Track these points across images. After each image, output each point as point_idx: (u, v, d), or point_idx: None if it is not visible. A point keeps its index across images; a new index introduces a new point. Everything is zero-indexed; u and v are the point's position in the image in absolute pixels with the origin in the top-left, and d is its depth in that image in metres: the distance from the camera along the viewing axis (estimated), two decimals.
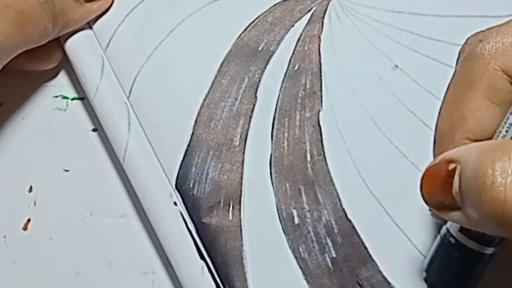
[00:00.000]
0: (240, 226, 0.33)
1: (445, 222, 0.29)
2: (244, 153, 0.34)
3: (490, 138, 0.28)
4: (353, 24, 0.36)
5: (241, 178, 0.34)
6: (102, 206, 0.35)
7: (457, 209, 0.24)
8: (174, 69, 0.35)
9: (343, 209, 0.33)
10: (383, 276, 0.32)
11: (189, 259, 0.33)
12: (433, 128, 0.34)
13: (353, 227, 0.33)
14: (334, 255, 0.33)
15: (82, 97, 0.37)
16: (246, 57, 0.36)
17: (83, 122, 0.37)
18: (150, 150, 0.35)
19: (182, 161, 0.34)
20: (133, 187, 0.34)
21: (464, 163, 0.24)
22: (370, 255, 0.33)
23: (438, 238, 0.29)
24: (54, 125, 0.37)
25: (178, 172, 0.34)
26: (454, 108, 0.29)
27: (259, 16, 0.36)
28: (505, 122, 0.27)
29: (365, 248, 0.33)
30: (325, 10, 0.37)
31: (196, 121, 0.35)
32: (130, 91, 0.35)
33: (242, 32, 0.36)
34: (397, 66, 0.35)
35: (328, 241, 0.33)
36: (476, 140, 0.28)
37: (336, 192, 0.34)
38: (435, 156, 0.30)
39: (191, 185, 0.34)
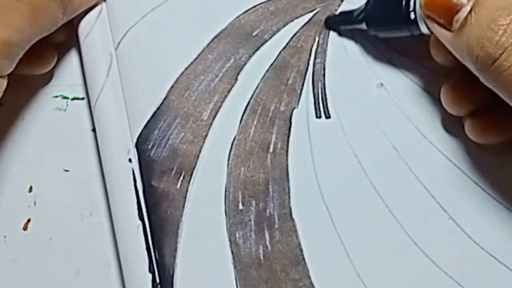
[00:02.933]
0: (185, 197, 0.33)
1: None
2: (209, 128, 0.34)
3: None
4: (351, 33, 0.36)
5: (199, 151, 0.34)
6: (102, 206, 0.35)
7: (446, 29, 0.28)
8: (166, 33, 0.36)
9: (290, 207, 0.33)
10: (311, 282, 0.32)
11: (128, 216, 0.33)
12: (401, 153, 0.33)
13: (295, 227, 0.33)
14: (268, 249, 0.32)
15: (82, 97, 0.37)
16: (238, 39, 0.36)
17: (83, 122, 0.36)
18: (122, 104, 0.35)
19: (148, 121, 0.34)
20: (96, 135, 0.35)
21: (480, 2, 0.26)
22: (303, 258, 0.32)
23: None
24: (54, 125, 0.37)
25: (142, 131, 0.34)
26: None
27: (262, 3, 0.37)
28: None
29: (301, 250, 0.32)
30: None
31: (172, 87, 0.35)
32: (119, 44, 0.36)
33: (241, 14, 0.36)
34: (382, 84, 0.35)
35: (267, 234, 0.33)
36: None
37: (288, 189, 0.33)
38: None
39: (149, 146, 0.34)
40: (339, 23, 0.36)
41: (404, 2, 0.31)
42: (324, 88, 0.35)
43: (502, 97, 0.27)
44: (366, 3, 0.34)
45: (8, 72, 0.32)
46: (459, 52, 0.28)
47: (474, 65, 0.27)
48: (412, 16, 0.30)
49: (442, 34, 0.28)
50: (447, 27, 0.28)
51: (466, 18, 0.27)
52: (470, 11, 0.26)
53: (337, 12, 0.36)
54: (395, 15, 0.32)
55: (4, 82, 0.32)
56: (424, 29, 0.30)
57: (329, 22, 0.36)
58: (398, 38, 0.33)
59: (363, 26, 0.34)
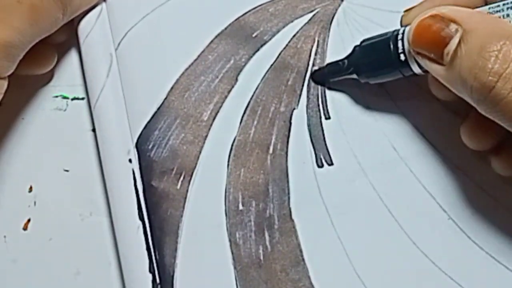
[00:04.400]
0: (185, 198, 0.33)
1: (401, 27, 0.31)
2: (209, 129, 0.34)
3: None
4: (351, 34, 0.36)
5: (200, 152, 0.34)
6: (102, 206, 0.35)
7: (438, 63, 0.27)
8: (166, 34, 0.36)
9: (290, 208, 0.33)
10: (311, 283, 0.32)
11: (128, 216, 0.33)
12: (401, 153, 0.34)
13: (294, 227, 0.33)
14: (268, 250, 0.33)
15: (82, 97, 0.37)
16: (238, 40, 0.36)
17: (83, 122, 0.36)
18: (122, 104, 0.35)
19: (148, 122, 0.34)
20: (96, 135, 0.35)
21: (468, 33, 0.25)
22: (303, 259, 0.32)
23: (392, 31, 0.31)
24: (54, 125, 0.37)
25: (142, 131, 0.34)
26: None
27: (262, 4, 0.37)
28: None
29: (301, 250, 0.33)
30: (333, 15, 0.36)
31: (172, 88, 0.35)
32: (119, 44, 0.36)
33: (242, 15, 0.36)
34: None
35: (266, 234, 0.33)
36: (467, 7, 0.28)
37: (288, 190, 0.33)
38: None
39: (150, 146, 0.34)
40: (328, 75, 0.34)
41: (392, 45, 0.30)
42: (324, 89, 0.35)
43: (507, 127, 0.25)
44: (352, 51, 0.33)
45: (9, 73, 0.32)
46: (454, 85, 0.26)
47: (470, 97, 0.25)
48: (403, 57, 0.30)
49: (434, 69, 0.27)
50: (439, 61, 0.27)
51: (456, 50, 0.25)
52: (459, 42, 0.25)
53: (324, 65, 0.35)
54: (385, 60, 0.31)
55: (5, 83, 0.32)
56: (416, 69, 0.30)
57: (317, 75, 0.35)
58: (391, 82, 0.32)
59: (353, 75, 0.33)
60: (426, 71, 0.29)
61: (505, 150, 0.30)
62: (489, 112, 0.25)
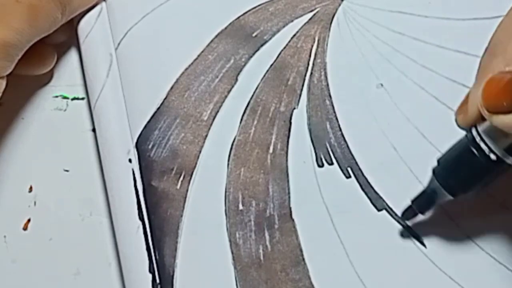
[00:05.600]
0: (185, 197, 0.33)
1: (470, 130, 0.29)
2: (209, 129, 0.34)
3: None
4: (351, 33, 0.36)
5: (200, 152, 0.34)
6: (102, 206, 0.35)
7: None
8: (166, 33, 0.36)
9: (290, 208, 0.33)
10: (311, 282, 0.32)
11: (128, 216, 0.33)
12: (401, 153, 0.33)
13: (295, 227, 0.33)
14: (268, 249, 0.32)
15: (82, 97, 0.37)
16: (238, 39, 0.36)
17: (83, 122, 0.37)
18: (122, 104, 0.35)
19: (148, 122, 0.34)
20: (96, 135, 0.35)
21: None
22: (303, 259, 0.32)
23: (463, 138, 0.29)
24: (54, 125, 0.37)
25: (142, 131, 0.34)
26: None
27: (262, 4, 0.37)
28: None
29: (301, 250, 0.32)
30: (333, 15, 0.36)
31: (172, 88, 0.35)
32: (119, 44, 0.36)
33: (242, 15, 0.36)
34: (381, 85, 0.35)
35: (266, 234, 0.33)
36: None
37: (288, 189, 0.33)
38: (480, 67, 0.30)
39: (150, 146, 0.34)
40: (425, 207, 0.31)
41: (474, 150, 0.28)
42: (324, 89, 0.35)
43: None
44: (435, 176, 0.30)
45: (7, 73, 0.32)
46: None
47: None
48: (493, 157, 0.27)
49: None
50: None
51: None
52: None
53: (410, 203, 0.31)
54: (476, 169, 0.28)
55: (3, 83, 0.32)
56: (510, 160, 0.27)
57: (408, 214, 0.31)
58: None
59: (449, 197, 0.29)
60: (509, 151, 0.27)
61: None
62: None
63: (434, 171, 0.30)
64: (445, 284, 0.32)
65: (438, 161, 0.30)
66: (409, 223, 0.32)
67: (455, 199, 0.29)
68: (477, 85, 0.27)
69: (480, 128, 0.28)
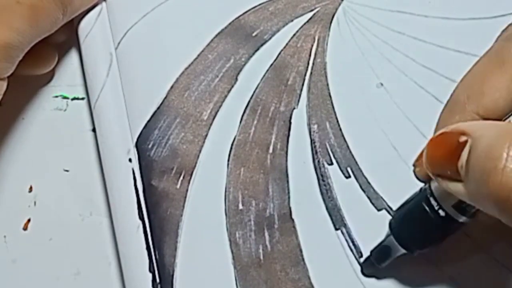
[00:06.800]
0: (185, 197, 0.33)
1: (427, 182, 0.29)
2: (209, 128, 0.34)
3: (499, 120, 0.27)
4: (351, 33, 0.36)
5: (200, 151, 0.34)
6: (102, 206, 0.35)
7: (458, 181, 0.24)
8: (166, 33, 0.36)
9: (290, 208, 0.33)
10: (310, 283, 0.32)
11: (128, 215, 0.33)
12: (402, 153, 0.33)
13: (294, 227, 0.33)
14: (268, 249, 0.33)
15: (82, 97, 0.37)
16: (238, 39, 0.36)
17: (83, 122, 0.36)
18: (122, 104, 0.35)
19: (148, 121, 0.34)
20: (96, 135, 0.35)
21: (477, 139, 0.23)
22: (303, 259, 0.32)
23: (417, 192, 0.29)
24: (54, 125, 0.37)
25: (142, 131, 0.34)
26: (477, 80, 0.29)
27: (262, 3, 0.37)
28: None
29: (300, 250, 0.33)
30: (333, 14, 0.36)
31: (172, 87, 0.35)
32: (119, 43, 0.36)
33: (242, 14, 0.36)
34: (382, 84, 0.35)
35: (266, 234, 0.33)
36: (485, 118, 0.28)
37: (288, 189, 0.33)
38: (439, 123, 0.30)
39: (150, 146, 0.34)
40: (382, 259, 0.31)
41: (426, 206, 0.28)
42: (324, 89, 0.35)
43: None
44: (390, 228, 0.30)
45: (8, 74, 0.32)
46: (477, 201, 0.24)
47: (492, 207, 0.22)
48: (442, 213, 0.27)
49: (456, 190, 0.24)
50: (457, 178, 0.24)
51: (467, 160, 0.23)
52: (470, 151, 0.23)
53: (367, 256, 0.31)
54: (428, 224, 0.28)
55: (4, 84, 0.32)
56: (461, 218, 0.27)
57: (367, 269, 0.32)
58: None
59: (404, 251, 0.30)
60: (471, 216, 0.27)
61: None
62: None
63: (390, 224, 0.30)
64: (444, 284, 0.32)
65: (393, 215, 0.31)
66: (367, 272, 0.32)
67: (412, 254, 0.29)
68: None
69: (432, 183, 0.28)
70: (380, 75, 0.35)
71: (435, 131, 0.30)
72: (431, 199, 0.28)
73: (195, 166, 0.34)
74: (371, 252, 0.31)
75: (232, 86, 0.35)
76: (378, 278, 0.32)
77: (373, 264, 0.31)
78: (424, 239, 0.29)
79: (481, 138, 0.23)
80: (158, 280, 0.32)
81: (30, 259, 0.35)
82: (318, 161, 0.34)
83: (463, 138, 0.24)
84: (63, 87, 0.37)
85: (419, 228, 0.29)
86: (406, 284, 0.32)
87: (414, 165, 0.32)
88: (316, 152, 0.34)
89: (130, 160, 0.34)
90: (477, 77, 0.29)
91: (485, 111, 0.28)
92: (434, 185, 0.28)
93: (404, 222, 0.30)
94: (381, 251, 0.31)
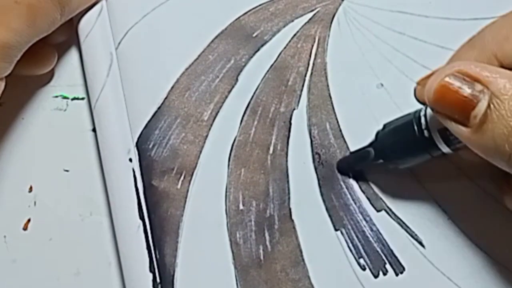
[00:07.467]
0: (186, 197, 0.33)
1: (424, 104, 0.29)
2: (210, 129, 0.34)
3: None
4: (351, 33, 0.36)
5: (200, 152, 0.34)
6: (102, 206, 0.35)
7: (465, 126, 0.24)
8: (166, 33, 0.36)
9: (290, 208, 0.33)
10: (311, 283, 0.32)
11: (128, 215, 0.33)
12: None
13: (294, 227, 0.33)
14: (268, 249, 0.33)
15: (83, 97, 0.37)
16: (239, 40, 0.36)
17: (83, 122, 0.36)
18: (123, 104, 0.35)
19: (149, 121, 0.34)
20: (96, 135, 0.35)
21: (497, 95, 0.23)
22: (303, 259, 0.32)
23: (411, 116, 0.29)
24: (54, 125, 0.37)
25: (142, 131, 0.34)
26: (506, 25, 0.28)
27: (262, 4, 0.37)
28: None
29: (301, 251, 0.33)
30: (333, 14, 0.36)
31: (172, 87, 0.35)
32: (119, 43, 0.36)
33: (242, 15, 0.36)
34: (382, 85, 0.35)
35: (267, 234, 0.33)
36: (501, 65, 0.27)
37: (288, 190, 0.33)
38: (456, 53, 0.29)
39: (150, 146, 0.34)
40: (353, 164, 0.33)
41: (415, 124, 0.28)
42: (324, 89, 0.35)
43: None
44: (376, 136, 0.32)
45: (6, 74, 0.32)
46: (485, 151, 0.24)
47: (506, 163, 0.23)
48: (426, 134, 0.28)
49: (459, 132, 0.25)
50: (464, 123, 0.24)
51: (485, 114, 0.23)
52: (488, 105, 0.23)
53: (347, 154, 0.33)
54: (409, 141, 0.29)
55: (2, 84, 0.32)
56: (444, 148, 0.28)
57: (342, 165, 0.33)
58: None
59: (380, 161, 0.31)
60: (455, 149, 0.28)
61: None
62: None
63: (377, 133, 0.31)
64: (444, 285, 0.32)
65: (384, 126, 0.31)
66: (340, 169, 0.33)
67: (388, 166, 0.31)
68: (444, 67, 0.26)
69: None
70: (380, 75, 0.35)
71: (450, 61, 0.30)
72: (422, 118, 0.28)
73: (195, 166, 0.34)
74: (351, 152, 0.33)
75: (233, 87, 0.35)
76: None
77: (349, 164, 0.33)
78: (402, 151, 0.30)
79: (503, 97, 0.23)
80: (158, 280, 0.32)
81: (30, 259, 0.35)
82: (318, 162, 0.34)
83: (478, 88, 0.24)
84: (63, 87, 0.37)
85: (401, 139, 0.29)
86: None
87: (417, 83, 0.30)
88: (316, 153, 0.34)
89: (130, 160, 0.34)
90: (508, 23, 0.28)
91: (503, 56, 0.27)
92: (428, 92, 0.27)
93: (391, 132, 0.30)
94: (361, 155, 0.32)
